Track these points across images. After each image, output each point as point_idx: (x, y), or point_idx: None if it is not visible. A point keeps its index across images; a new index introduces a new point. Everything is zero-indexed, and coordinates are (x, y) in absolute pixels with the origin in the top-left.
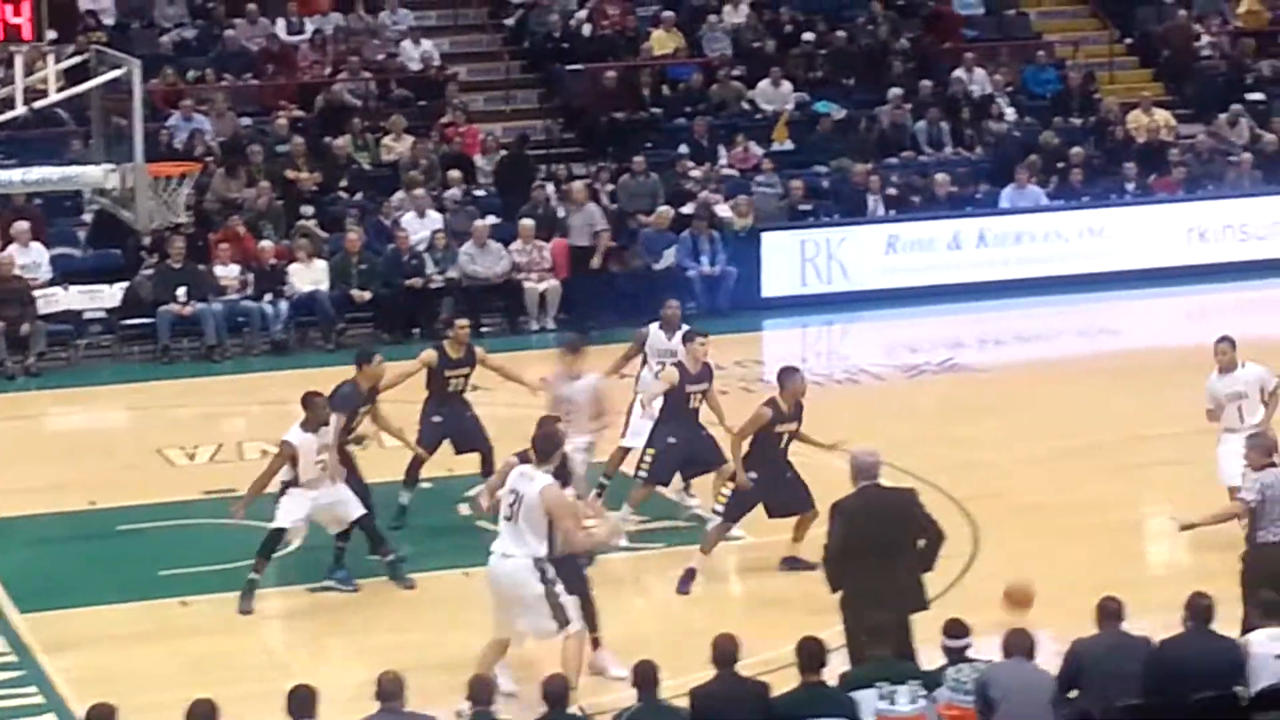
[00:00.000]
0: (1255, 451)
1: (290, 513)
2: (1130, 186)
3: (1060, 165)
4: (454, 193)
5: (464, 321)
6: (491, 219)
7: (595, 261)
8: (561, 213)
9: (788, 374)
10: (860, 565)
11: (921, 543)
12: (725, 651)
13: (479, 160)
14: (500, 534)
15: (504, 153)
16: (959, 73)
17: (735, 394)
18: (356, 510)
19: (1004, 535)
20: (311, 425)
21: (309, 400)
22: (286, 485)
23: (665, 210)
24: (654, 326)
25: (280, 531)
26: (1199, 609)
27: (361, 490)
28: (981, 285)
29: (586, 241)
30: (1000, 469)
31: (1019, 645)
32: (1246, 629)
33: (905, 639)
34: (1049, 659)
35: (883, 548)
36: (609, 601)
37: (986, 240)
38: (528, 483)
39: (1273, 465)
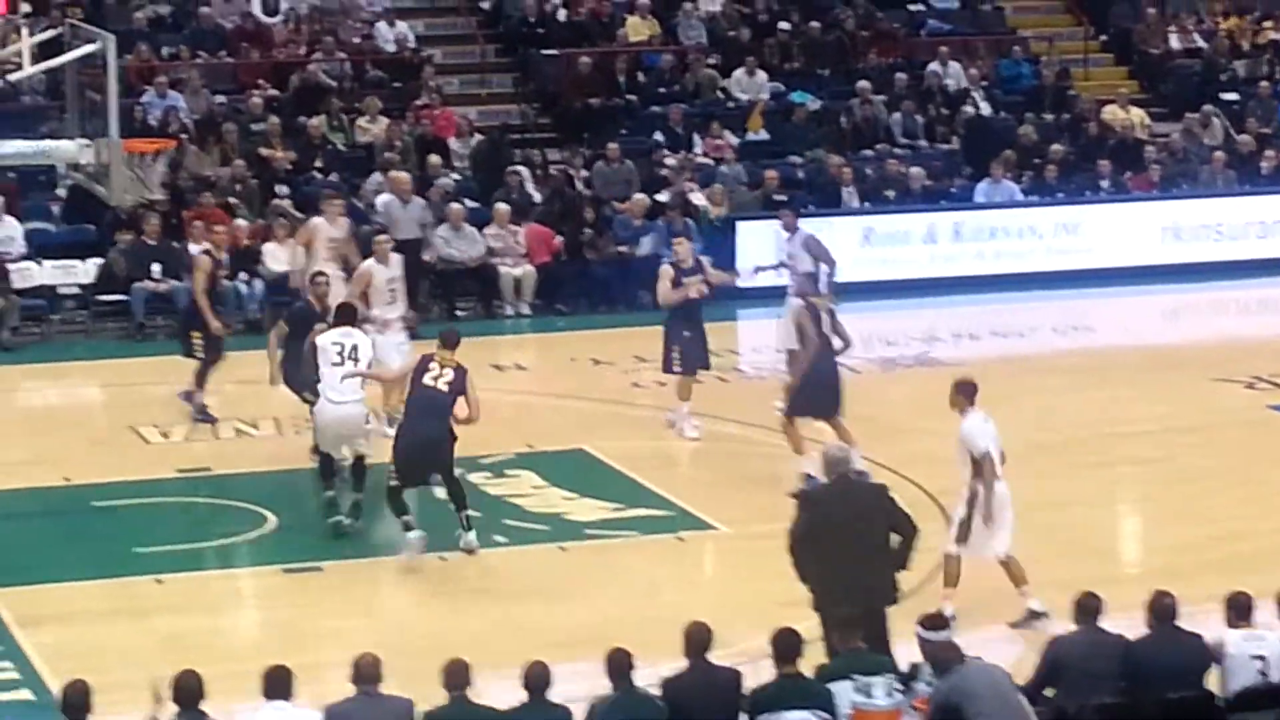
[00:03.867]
0: None
1: None
2: (1105, 183)
3: (1036, 160)
4: (446, 182)
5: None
6: (467, 203)
7: (427, 255)
8: (537, 198)
9: None
10: (830, 558)
11: (896, 538)
12: (697, 640)
13: (453, 143)
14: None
15: (480, 137)
16: (934, 66)
17: (710, 383)
18: None
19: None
20: None
21: None
22: None
23: (640, 198)
24: None
25: None
26: (1162, 608)
27: None
28: (956, 279)
29: (415, 235)
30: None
31: (956, 657)
32: None
33: (879, 633)
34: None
35: (852, 541)
36: (580, 589)
37: (962, 234)
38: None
39: None
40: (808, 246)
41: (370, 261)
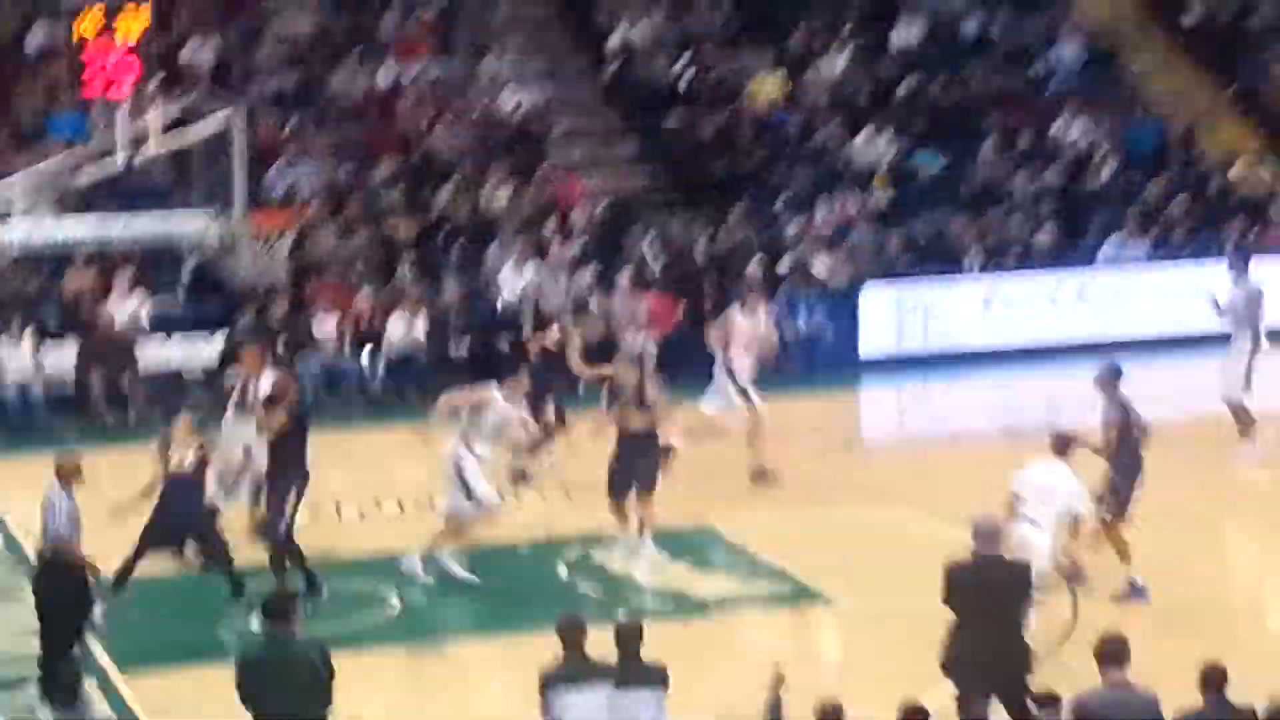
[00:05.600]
0: None
1: None
2: (1233, 242)
3: (1161, 220)
4: (567, 249)
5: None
6: (590, 271)
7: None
8: (659, 266)
9: None
10: (967, 631)
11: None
12: (828, 717)
13: (576, 212)
14: None
15: (603, 205)
16: (1059, 125)
17: (835, 453)
18: None
19: (1103, 603)
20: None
21: None
22: None
23: (759, 264)
24: None
25: None
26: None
27: None
28: (1082, 344)
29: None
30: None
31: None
32: None
33: (1018, 705)
34: None
35: (991, 616)
36: (702, 665)
37: (1087, 296)
38: None
39: None
40: (1250, 300)
41: None
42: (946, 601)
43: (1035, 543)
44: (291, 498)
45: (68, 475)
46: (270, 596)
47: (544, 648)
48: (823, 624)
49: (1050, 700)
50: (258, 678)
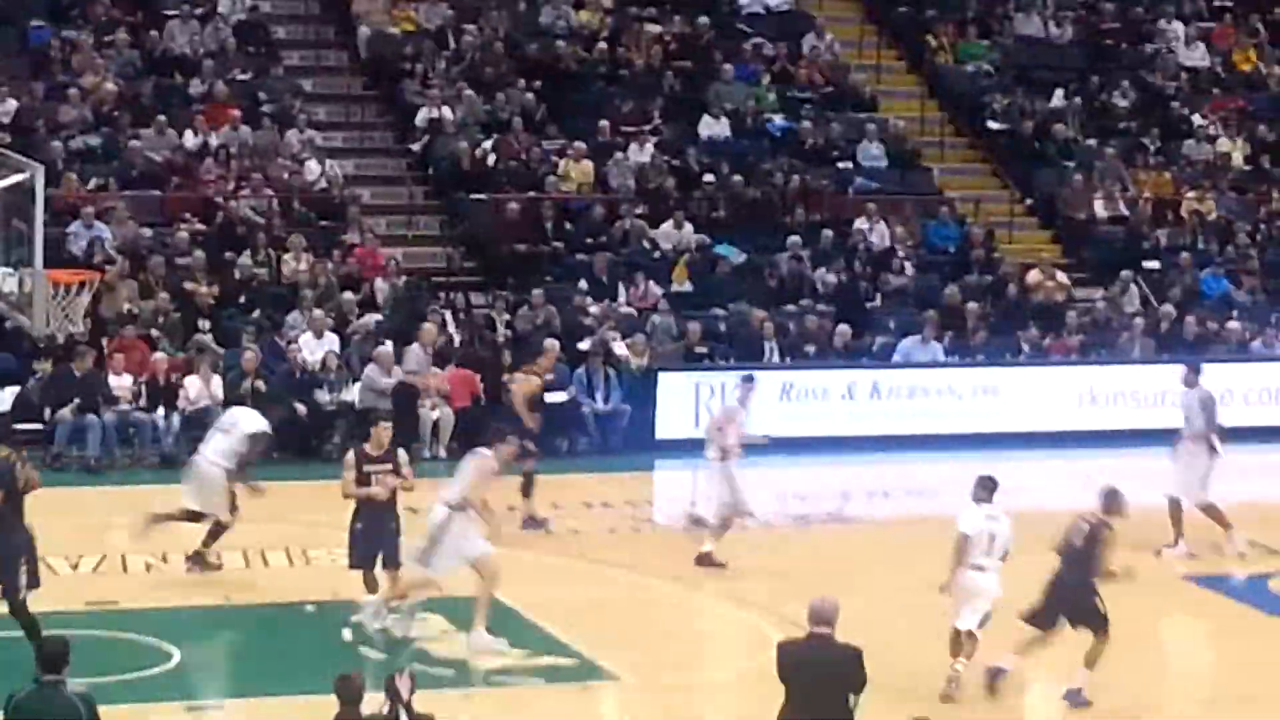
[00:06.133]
0: None
1: None
2: (1026, 347)
3: (959, 322)
4: (366, 321)
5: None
6: (387, 344)
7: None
8: (458, 341)
9: None
10: (796, 710)
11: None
12: None
13: (379, 284)
14: None
15: (405, 278)
16: (860, 224)
17: (624, 533)
18: None
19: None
20: None
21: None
22: None
23: (553, 343)
24: None
25: None
26: None
27: None
28: (874, 438)
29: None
30: (880, 623)
31: None
32: None
33: None
34: None
35: (821, 696)
36: None
37: (880, 393)
38: None
39: None
40: (1204, 405)
41: None
42: (780, 678)
43: (985, 586)
44: (22, 566)
45: None
46: (45, 644)
47: (324, 708)
48: (607, 697)
49: None
50: None
